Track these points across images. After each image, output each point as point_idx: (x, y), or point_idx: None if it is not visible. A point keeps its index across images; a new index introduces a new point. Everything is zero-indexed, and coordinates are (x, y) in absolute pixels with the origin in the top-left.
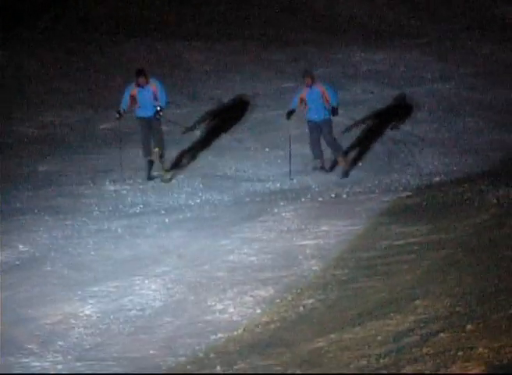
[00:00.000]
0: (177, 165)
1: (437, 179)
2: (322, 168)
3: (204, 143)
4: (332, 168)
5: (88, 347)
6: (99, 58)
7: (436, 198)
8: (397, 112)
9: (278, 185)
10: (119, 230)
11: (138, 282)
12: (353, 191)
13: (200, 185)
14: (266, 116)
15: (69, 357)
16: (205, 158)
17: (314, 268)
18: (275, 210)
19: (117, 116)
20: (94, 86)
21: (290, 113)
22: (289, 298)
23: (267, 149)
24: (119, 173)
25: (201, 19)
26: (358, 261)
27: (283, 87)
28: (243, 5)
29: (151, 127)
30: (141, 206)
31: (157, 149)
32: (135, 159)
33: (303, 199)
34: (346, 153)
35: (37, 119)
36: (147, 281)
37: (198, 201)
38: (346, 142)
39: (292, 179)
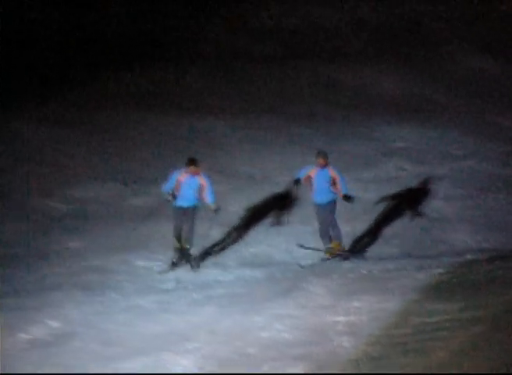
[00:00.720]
0: (209, 241)
1: (469, 256)
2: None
3: (234, 220)
4: (362, 246)
5: None
6: (128, 132)
7: (468, 275)
8: (430, 188)
9: (309, 261)
10: (150, 305)
11: (169, 358)
12: (386, 267)
13: (232, 261)
14: (296, 191)
15: None
16: (237, 234)
17: (345, 344)
18: (307, 286)
19: (170, 198)
20: (123, 160)
21: (297, 182)
22: None
23: (299, 225)
24: (149, 249)
25: (231, 92)
26: (390, 338)
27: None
28: (272, 80)
29: (185, 216)
30: (172, 282)
31: (186, 245)
32: (166, 234)
33: (334, 276)
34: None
35: (67, 194)
36: (178, 357)
37: (230, 277)
38: (378, 219)
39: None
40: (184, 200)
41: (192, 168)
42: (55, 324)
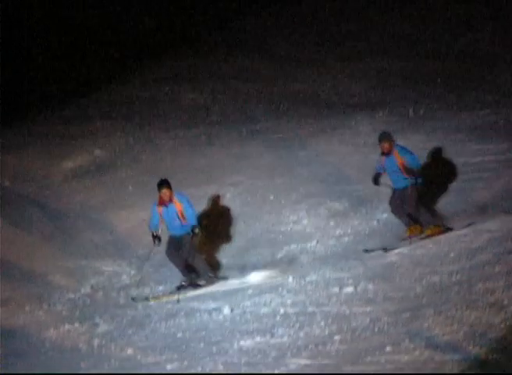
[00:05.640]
0: None
1: None
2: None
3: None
4: None
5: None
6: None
7: None
8: None
9: None
10: (195, 138)
11: (212, 191)
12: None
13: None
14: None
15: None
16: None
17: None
18: (352, 124)
19: (156, 242)
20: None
21: (377, 178)
22: (364, 211)
23: None
24: (197, 81)
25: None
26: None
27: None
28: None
29: (180, 246)
30: (218, 115)
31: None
32: None
33: (379, 113)
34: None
35: None
36: (222, 189)
37: None
38: None
39: None
40: (173, 230)
41: (163, 194)
42: (100, 153)
